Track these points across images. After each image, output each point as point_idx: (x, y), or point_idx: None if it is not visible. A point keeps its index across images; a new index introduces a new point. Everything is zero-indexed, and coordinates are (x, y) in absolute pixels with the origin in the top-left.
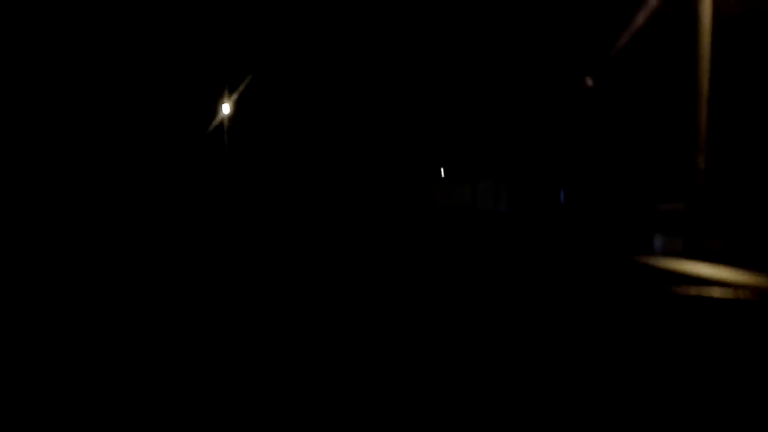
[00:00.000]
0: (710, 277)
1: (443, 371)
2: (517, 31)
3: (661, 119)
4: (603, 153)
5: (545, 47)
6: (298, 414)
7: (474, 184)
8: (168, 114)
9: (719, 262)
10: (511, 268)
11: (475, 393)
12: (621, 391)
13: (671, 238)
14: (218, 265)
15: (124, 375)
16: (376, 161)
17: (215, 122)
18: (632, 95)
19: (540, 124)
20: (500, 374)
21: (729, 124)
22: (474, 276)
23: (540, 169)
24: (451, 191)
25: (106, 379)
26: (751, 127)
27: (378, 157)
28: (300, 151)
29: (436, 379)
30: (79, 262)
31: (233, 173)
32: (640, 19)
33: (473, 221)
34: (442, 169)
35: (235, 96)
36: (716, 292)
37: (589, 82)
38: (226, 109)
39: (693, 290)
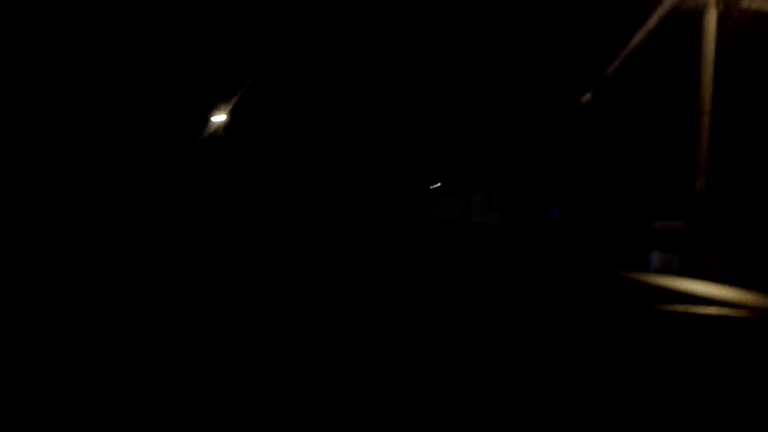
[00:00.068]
0: (704, 294)
1: (414, 389)
2: (515, 43)
3: (659, 136)
4: (600, 168)
5: (543, 60)
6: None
7: (468, 197)
8: (155, 118)
9: (716, 281)
10: (501, 281)
11: (446, 409)
12: (597, 408)
13: (667, 255)
14: (195, 270)
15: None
16: (367, 173)
17: (203, 130)
18: (631, 112)
19: (537, 138)
20: (477, 387)
21: (728, 142)
22: (460, 290)
23: (536, 184)
24: (443, 204)
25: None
26: (748, 145)
27: (369, 169)
28: (288, 160)
29: (405, 396)
30: (66, 263)
31: (222, 182)
32: (639, 37)
33: (465, 235)
34: (435, 182)
35: (224, 105)
36: (709, 310)
37: (587, 97)
38: (216, 116)
39: (684, 308)
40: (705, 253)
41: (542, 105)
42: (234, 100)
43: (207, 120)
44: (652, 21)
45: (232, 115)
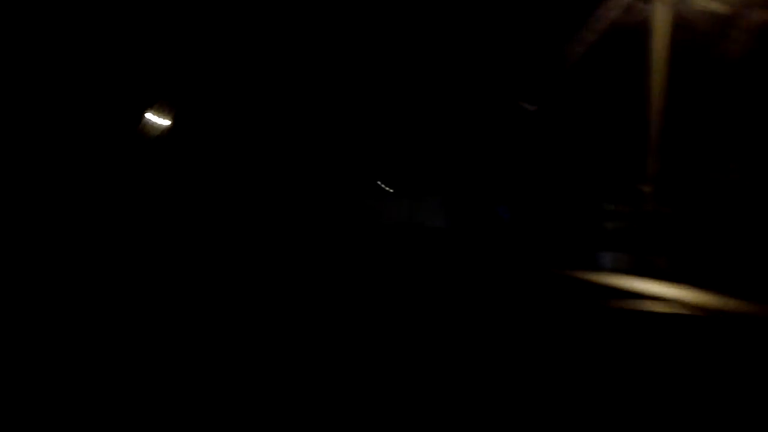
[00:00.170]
0: (652, 293)
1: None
2: (463, 46)
3: (609, 138)
4: (549, 170)
5: (491, 62)
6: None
7: (416, 200)
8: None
9: (665, 279)
10: (447, 282)
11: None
12: (549, 404)
13: (617, 255)
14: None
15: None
16: (312, 176)
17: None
18: (580, 114)
19: (486, 140)
20: (421, 387)
21: (677, 142)
22: (404, 293)
23: (485, 186)
24: (390, 208)
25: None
26: (696, 147)
27: (314, 172)
28: (227, 161)
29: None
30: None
31: (159, 185)
32: (588, 37)
33: (412, 237)
34: (382, 186)
35: (165, 106)
36: (658, 308)
37: (530, 107)
38: (155, 116)
39: (628, 304)
40: (654, 252)
41: (488, 108)
42: (176, 104)
43: (141, 118)
44: (603, 18)
45: (174, 117)
